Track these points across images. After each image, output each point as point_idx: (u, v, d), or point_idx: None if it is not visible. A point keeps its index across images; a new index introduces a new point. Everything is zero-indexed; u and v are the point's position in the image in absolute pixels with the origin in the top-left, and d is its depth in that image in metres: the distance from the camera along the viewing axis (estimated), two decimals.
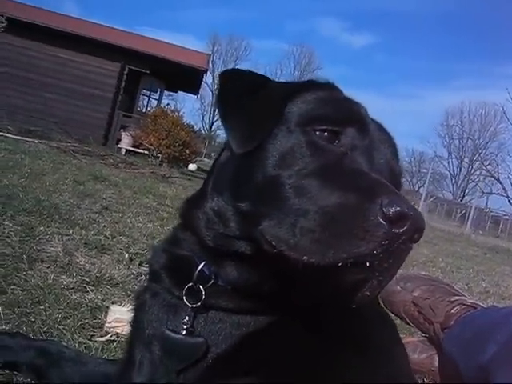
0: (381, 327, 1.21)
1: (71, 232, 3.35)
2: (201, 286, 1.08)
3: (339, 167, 0.96)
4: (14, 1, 18.20)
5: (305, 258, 0.84)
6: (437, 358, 2.09)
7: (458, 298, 2.11)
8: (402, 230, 0.80)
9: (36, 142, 11.13)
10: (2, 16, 14.15)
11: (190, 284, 1.09)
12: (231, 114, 1.08)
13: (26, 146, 9.66)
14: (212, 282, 1.08)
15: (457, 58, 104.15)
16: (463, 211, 32.95)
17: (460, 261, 8.76)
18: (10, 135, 11.19)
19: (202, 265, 1.09)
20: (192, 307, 1.08)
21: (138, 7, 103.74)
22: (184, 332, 1.07)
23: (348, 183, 0.89)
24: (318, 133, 1.01)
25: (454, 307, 2.04)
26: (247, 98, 1.09)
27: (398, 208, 0.80)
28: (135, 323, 1.22)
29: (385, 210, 0.80)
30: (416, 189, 51.66)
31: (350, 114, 1.07)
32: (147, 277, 1.28)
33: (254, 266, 1.05)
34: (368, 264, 0.82)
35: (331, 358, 1.03)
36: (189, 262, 1.12)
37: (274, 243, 0.90)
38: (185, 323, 1.08)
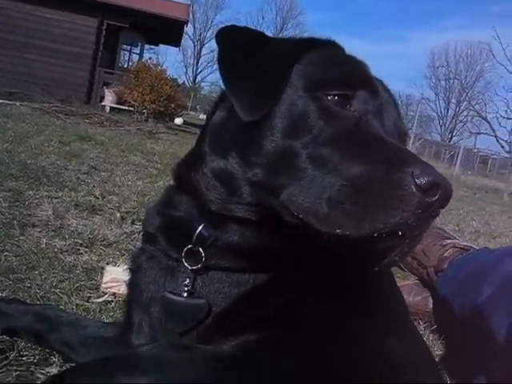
0: (379, 274, 1.21)
1: (60, 194, 3.33)
2: (200, 248, 1.07)
3: (357, 133, 0.95)
4: None
5: (338, 231, 0.84)
6: (431, 300, 2.13)
7: (450, 241, 2.13)
8: (434, 199, 0.81)
9: (18, 104, 10.93)
10: None
11: (189, 246, 1.08)
12: (235, 78, 1.05)
13: (7, 109, 9.49)
14: (211, 242, 1.07)
15: None
16: (452, 152, 33.04)
17: (451, 202, 8.83)
18: None
19: (200, 227, 1.08)
20: (192, 269, 1.08)
21: None
22: (185, 294, 1.07)
23: (371, 152, 0.88)
24: (329, 97, 0.98)
25: (446, 250, 2.07)
26: (251, 60, 1.05)
27: (431, 178, 0.81)
28: (132, 286, 1.22)
29: (417, 180, 0.80)
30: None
31: (359, 77, 1.05)
32: (142, 239, 1.27)
33: (259, 231, 1.05)
34: (400, 232, 0.82)
35: (332, 310, 1.04)
36: (186, 225, 1.11)
37: (300, 215, 0.89)
38: (185, 285, 1.08)
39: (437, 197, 0.81)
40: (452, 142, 48.00)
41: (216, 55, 1.09)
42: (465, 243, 2.12)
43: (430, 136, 52.73)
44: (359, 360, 0.95)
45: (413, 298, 2.17)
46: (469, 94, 55.66)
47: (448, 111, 58.29)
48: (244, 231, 1.06)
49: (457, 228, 5.54)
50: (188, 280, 1.09)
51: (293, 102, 0.99)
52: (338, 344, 0.97)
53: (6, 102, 11.06)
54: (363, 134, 0.95)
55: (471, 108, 51.49)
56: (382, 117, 1.03)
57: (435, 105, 58.74)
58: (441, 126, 58.16)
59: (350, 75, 1.04)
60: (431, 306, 2.11)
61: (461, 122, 55.59)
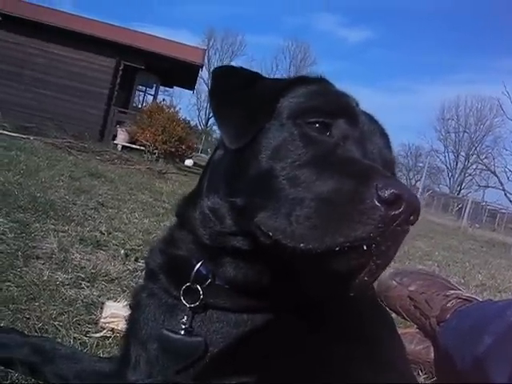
0: (379, 321, 1.21)
1: (67, 228, 3.35)
2: (198, 286, 1.08)
3: (332, 156, 0.96)
4: None
5: (302, 245, 0.84)
6: (433, 350, 2.09)
7: (453, 291, 2.11)
8: (397, 212, 0.80)
9: (31, 138, 11.09)
10: None
11: (188, 284, 1.09)
12: (223, 109, 1.09)
13: (21, 143, 9.63)
14: (209, 281, 1.08)
15: (452, 53, 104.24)
16: (460, 205, 33.00)
17: (456, 254, 8.78)
18: (5, 132, 11.17)
19: (198, 265, 1.09)
20: (190, 307, 1.08)
21: (134, 2, 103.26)
22: (183, 332, 1.07)
23: (342, 170, 0.89)
24: (309, 124, 1.01)
25: (449, 301, 2.05)
26: (239, 93, 1.09)
27: (393, 190, 0.80)
28: (131, 322, 1.22)
29: (380, 192, 0.80)
30: (413, 183, 51.74)
31: (340, 106, 1.08)
32: (144, 276, 1.28)
33: (251, 261, 1.05)
34: (365, 248, 0.82)
35: (330, 353, 1.03)
36: (186, 262, 1.12)
37: (270, 233, 0.90)
38: (183, 323, 1.08)
39: (401, 209, 0.81)
40: (460, 195, 47.93)
41: (208, 91, 1.14)
42: (468, 294, 2.10)
43: (438, 188, 52.78)
44: None
45: (414, 346, 2.14)
46: (478, 148, 55.93)
47: (457, 164, 58.47)
48: (238, 263, 1.06)
49: (462, 280, 5.48)
50: (186, 318, 1.09)
51: (275, 130, 1.03)
52: None
53: (21, 135, 11.23)
54: (337, 156, 0.97)
55: (480, 162, 51.62)
56: (363, 144, 1.04)
57: (444, 157, 59.02)
58: (449, 178, 58.28)
59: (331, 104, 1.07)
60: (432, 355, 2.08)
61: (469, 175, 55.66)
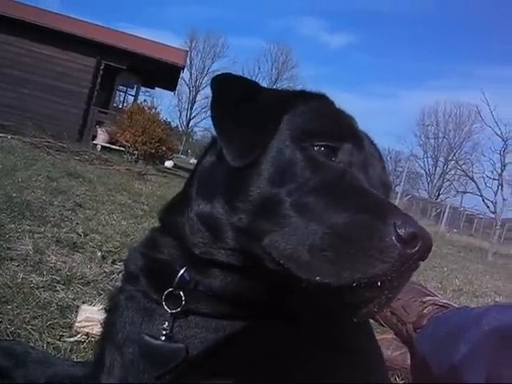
0: (358, 328, 1.20)
1: (43, 230, 3.30)
2: (181, 292, 1.06)
3: (342, 184, 0.96)
4: None
5: (318, 278, 0.83)
6: (409, 356, 2.10)
7: (430, 298, 2.12)
8: (414, 251, 0.81)
9: (9, 137, 10.95)
10: None
11: (170, 289, 1.07)
12: (227, 124, 1.06)
13: None
14: (192, 287, 1.07)
15: (433, 59, 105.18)
16: (438, 210, 33.34)
17: (434, 259, 8.84)
18: None
19: (182, 270, 1.07)
20: (171, 313, 1.06)
21: (118, 3, 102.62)
22: (163, 338, 1.06)
23: (355, 202, 0.89)
24: (315, 148, 1.00)
25: (426, 307, 2.05)
26: (242, 107, 1.07)
27: (412, 229, 0.81)
28: (107, 325, 1.20)
29: (399, 231, 0.81)
30: (392, 188, 52.03)
31: (346, 130, 1.07)
32: (122, 278, 1.26)
33: (241, 277, 1.04)
34: (380, 283, 0.82)
35: (307, 359, 1.03)
36: (168, 267, 1.10)
37: (282, 261, 0.89)
38: (164, 329, 1.06)
39: (417, 248, 0.81)
40: (439, 200, 48.42)
41: (210, 101, 1.11)
42: (445, 301, 2.11)
43: (417, 192, 53.24)
44: None
45: (391, 352, 2.14)
46: (456, 154, 56.52)
47: (436, 169, 59.03)
48: (226, 277, 1.05)
49: (440, 285, 5.53)
50: (167, 323, 1.07)
51: (280, 151, 1.00)
52: None
53: None
54: (347, 185, 0.96)
55: (458, 167, 52.14)
56: (366, 169, 1.04)
57: (423, 162, 59.49)
58: (428, 184, 58.80)
59: (337, 128, 1.06)
60: (409, 362, 2.09)
61: (448, 180, 56.20)
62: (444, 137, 58.22)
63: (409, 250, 0.81)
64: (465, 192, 45.22)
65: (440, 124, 59.28)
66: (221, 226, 1.04)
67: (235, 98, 1.10)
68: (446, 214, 26.22)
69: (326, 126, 1.05)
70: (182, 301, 1.06)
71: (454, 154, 56.70)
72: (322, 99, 1.16)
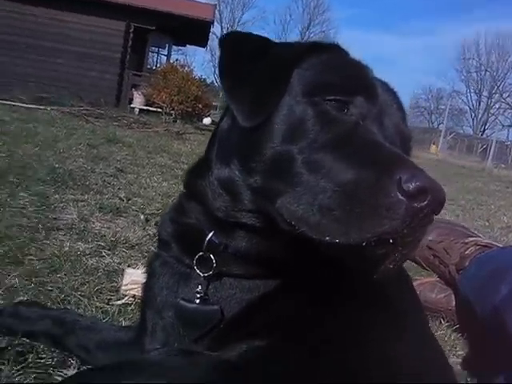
0: (396, 281, 1.19)
1: (86, 197, 3.39)
2: (211, 255, 1.08)
3: (353, 138, 0.93)
4: None
5: (327, 238, 0.83)
6: (454, 298, 2.09)
7: (472, 238, 2.09)
8: (423, 205, 0.79)
9: (48, 109, 11.12)
10: None
11: (201, 253, 1.09)
12: (234, 85, 1.05)
13: (38, 114, 9.68)
14: (221, 250, 1.08)
15: None
16: (484, 145, 32.43)
17: (481, 197, 8.68)
18: (22, 104, 11.23)
19: (210, 234, 1.08)
20: (204, 276, 1.08)
21: None
22: (198, 301, 1.08)
23: (364, 157, 0.87)
24: (327, 102, 0.97)
25: (468, 248, 2.03)
26: (250, 66, 1.05)
27: (418, 183, 0.79)
28: (146, 290, 1.23)
29: (404, 186, 0.79)
30: (436, 126, 50.91)
31: (358, 82, 1.04)
32: (157, 245, 1.29)
33: (265, 237, 1.05)
34: (392, 240, 0.81)
35: (340, 314, 1.03)
36: (197, 232, 1.11)
37: (293, 223, 0.89)
38: (198, 292, 1.08)
39: (426, 202, 0.79)
40: (485, 135, 47.00)
41: (217, 62, 1.09)
42: (487, 241, 2.08)
43: (462, 129, 51.80)
44: (365, 369, 0.94)
45: (435, 295, 2.14)
46: (500, 87, 54.44)
47: (480, 104, 57.09)
48: (251, 238, 1.06)
49: (487, 223, 5.44)
50: (200, 287, 1.09)
51: (290, 108, 0.99)
52: (345, 352, 0.97)
53: (37, 106, 11.29)
54: (358, 140, 0.93)
55: (503, 100, 50.34)
56: (381, 122, 1.01)
57: (466, 98, 57.58)
58: (473, 119, 57.00)
59: (349, 80, 1.03)
60: (454, 304, 2.08)
61: (493, 114, 54.41)
62: (486, 70, 55.95)
63: (417, 204, 0.79)
64: (511, 126, 43.73)
65: (482, 56, 56.96)
66: (239, 188, 1.04)
67: (243, 56, 1.07)
68: (492, 150, 25.49)
69: (337, 78, 1.02)
70: (213, 264, 1.07)
71: (498, 87, 54.59)
72: (334, 50, 1.12)
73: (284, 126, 0.98)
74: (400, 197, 0.79)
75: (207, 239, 1.08)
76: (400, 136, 1.05)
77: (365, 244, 0.81)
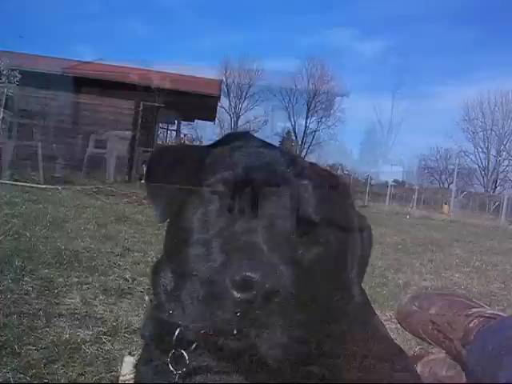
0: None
1: (90, 280, 3.37)
2: (183, 352, 1.07)
3: (222, 235, 1.00)
4: (25, 53, 18.63)
5: (186, 323, 0.94)
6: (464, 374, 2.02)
7: (475, 310, 2.04)
8: (250, 296, 0.83)
9: (60, 188, 11.28)
10: (16, 70, 14.53)
11: (173, 351, 1.09)
12: (151, 193, 1.26)
13: (49, 194, 9.80)
14: (194, 346, 1.07)
15: (469, 52, 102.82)
16: (497, 202, 32.22)
17: (496, 257, 8.49)
18: (35, 185, 11.41)
19: (177, 331, 1.08)
20: (178, 373, 1.07)
21: (148, 42, 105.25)
22: None
23: (214, 255, 0.94)
24: (207, 196, 1.08)
25: (472, 320, 1.97)
26: (165, 175, 1.21)
27: (241, 274, 0.83)
28: None
29: (232, 279, 0.83)
30: (446, 186, 50.83)
31: (241, 175, 1.08)
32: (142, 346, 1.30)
33: None
34: (235, 330, 0.85)
35: None
36: (170, 328, 1.10)
37: None
38: None
39: (253, 293, 0.82)
40: (496, 192, 46.79)
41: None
42: (491, 311, 2.02)
43: (473, 188, 51.62)
44: None
45: (446, 372, 2.07)
46: (507, 145, 54.61)
47: (489, 162, 57.12)
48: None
49: (503, 285, 5.31)
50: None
51: (188, 204, 1.11)
52: None
53: (50, 186, 11.46)
54: (226, 235, 0.98)
55: (511, 157, 50.45)
56: (254, 213, 1.03)
57: (475, 156, 57.70)
58: (483, 177, 56.82)
59: (231, 174, 1.08)
60: (464, 379, 2.00)
61: (502, 171, 54.32)
62: (491, 129, 56.37)
63: (245, 296, 0.82)
64: None
65: (486, 115, 57.50)
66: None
67: (164, 165, 1.24)
68: (504, 206, 25.32)
69: (221, 173, 1.09)
70: (185, 360, 1.07)
71: (505, 145, 54.80)
72: (240, 141, 1.20)
73: (180, 221, 1.12)
74: (229, 290, 0.83)
75: (174, 336, 1.09)
76: (272, 223, 1.02)
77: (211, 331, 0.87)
